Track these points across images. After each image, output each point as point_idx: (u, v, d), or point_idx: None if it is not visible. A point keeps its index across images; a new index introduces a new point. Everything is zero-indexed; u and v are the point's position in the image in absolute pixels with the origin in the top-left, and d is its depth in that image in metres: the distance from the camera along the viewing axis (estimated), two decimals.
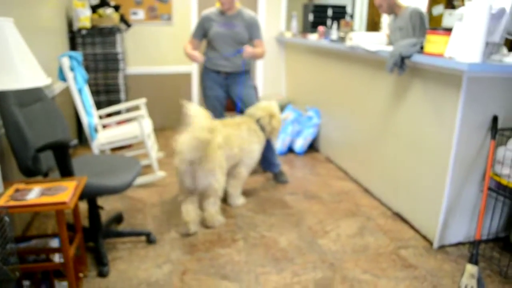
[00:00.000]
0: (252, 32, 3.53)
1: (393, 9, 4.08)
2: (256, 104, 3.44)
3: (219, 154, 2.90)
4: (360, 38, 3.49)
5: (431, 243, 2.77)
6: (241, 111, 3.60)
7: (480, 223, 2.46)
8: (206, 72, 3.61)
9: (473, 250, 2.42)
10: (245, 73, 3.62)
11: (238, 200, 3.33)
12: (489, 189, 2.55)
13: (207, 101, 3.65)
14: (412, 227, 2.98)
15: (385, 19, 6.76)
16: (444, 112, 2.59)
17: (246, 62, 3.55)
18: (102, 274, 2.36)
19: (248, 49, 3.39)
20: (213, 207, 2.95)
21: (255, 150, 3.26)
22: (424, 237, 2.84)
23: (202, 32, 3.54)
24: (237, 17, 3.49)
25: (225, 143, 2.98)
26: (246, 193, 3.47)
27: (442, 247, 2.73)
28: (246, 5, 5.53)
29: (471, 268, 2.36)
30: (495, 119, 2.50)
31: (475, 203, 2.70)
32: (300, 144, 4.54)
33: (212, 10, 3.55)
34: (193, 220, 2.87)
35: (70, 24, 4.54)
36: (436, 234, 2.72)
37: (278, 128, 3.40)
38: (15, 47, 1.78)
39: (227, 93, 3.65)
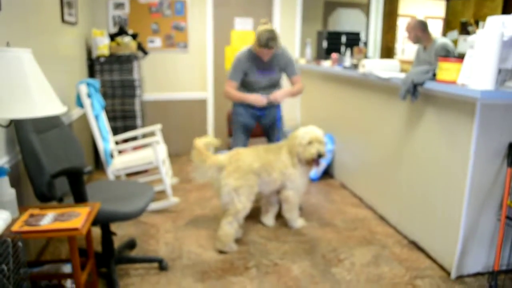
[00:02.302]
0: (288, 71, 3.54)
1: (420, 41, 4.19)
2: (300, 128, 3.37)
3: (250, 178, 3.01)
4: (373, 65, 3.51)
5: (448, 273, 2.69)
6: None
7: (499, 253, 2.40)
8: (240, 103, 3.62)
9: (491, 281, 2.36)
10: (278, 106, 3.69)
11: (296, 223, 3.37)
12: (507, 218, 2.49)
13: (235, 126, 3.68)
14: (428, 256, 2.91)
15: (400, 45, 6.80)
16: (458, 139, 2.57)
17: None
18: None
19: (276, 95, 3.44)
20: (228, 227, 2.97)
21: (299, 178, 3.24)
22: (441, 267, 2.77)
23: (242, 75, 3.47)
24: (273, 61, 3.46)
25: (263, 169, 3.08)
26: (258, 219, 3.45)
27: (460, 277, 2.66)
28: None
29: None
30: (511, 146, 2.46)
31: (493, 232, 2.63)
32: (314, 170, 4.52)
33: (245, 52, 3.44)
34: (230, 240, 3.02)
35: (89, 52, 4.68)
36: (453, 263, 2.65)
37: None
38: (32, 77, 1.84)
39: (258, 121, 3.73)
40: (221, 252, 2.95)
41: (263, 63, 3.44)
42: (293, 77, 3.55)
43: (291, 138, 3.25)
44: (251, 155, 3.10)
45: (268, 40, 3.20)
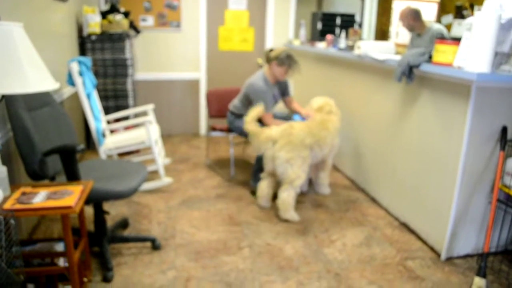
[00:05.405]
0: (286, 92, 3.92)
1: (414, 29, 4.24)
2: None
3: (302, 150, 3.16)
4: (368, 47, 3.49)
5: (438, 255, 2.73)
6: None
7: (489, 235, 2.43)
8: None
9: (481, 262, 2.39)
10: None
11: (326, 189, 3.74)
12: (498, 200, 2.51)
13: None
14: (419, 237, 2.95)
15: (394, 28, 6.76)
16: (452, 122, 2.57)
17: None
18: (106, 279, 2.36)
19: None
20: (285, 194, 3.15)
21: (338, 143, 3.60)
22: (432, 248, 2.81)
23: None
24: (278, 85, 3.81)
25: (317, 144, 3.27)
26: (251, 200, 3.46)
27: (449, 259, 2.70)
28: (256, 13, 5.58)
29: (479, 281, 2.32)
30: (504, 130, 2.48)
31: (483, 215, 2.66)
32: None
33: (263, 84, 3.62)
34: (263, 196, 3.34)
35: (80, 29, 4.58)
36: (443, 245, 2.68)
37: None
38: (24, 52, 1.79)
39: None
40: (286, 221, 3.14)
41: (272, 87, 3.72)
42: (288, 97, 3.94)
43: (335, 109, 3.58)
44: (304, 131, 3.20)
45: (289, 58, 3.53)
